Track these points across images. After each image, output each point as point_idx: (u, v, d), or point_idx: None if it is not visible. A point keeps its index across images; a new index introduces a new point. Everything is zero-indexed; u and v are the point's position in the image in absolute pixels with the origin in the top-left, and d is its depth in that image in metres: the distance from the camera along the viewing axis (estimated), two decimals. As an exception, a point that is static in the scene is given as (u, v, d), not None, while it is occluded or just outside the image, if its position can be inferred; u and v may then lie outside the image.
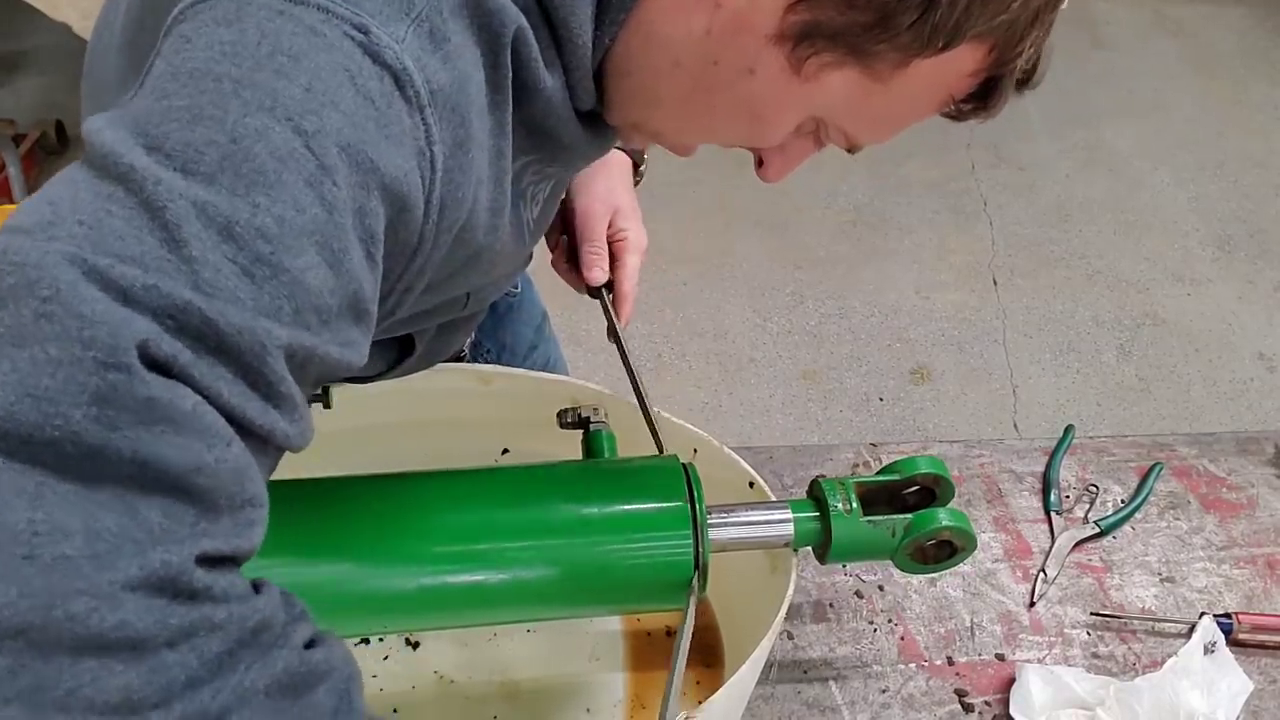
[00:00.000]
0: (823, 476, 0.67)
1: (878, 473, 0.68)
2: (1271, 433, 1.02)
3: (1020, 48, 0.51)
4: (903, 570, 0.68)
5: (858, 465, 0.96)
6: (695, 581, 0.62)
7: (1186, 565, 0.88)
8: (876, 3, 0.47)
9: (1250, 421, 2.29)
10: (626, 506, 0.64)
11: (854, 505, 0.64)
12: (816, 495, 0.66)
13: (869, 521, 0.64)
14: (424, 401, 0.80)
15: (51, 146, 2.90)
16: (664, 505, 0.63)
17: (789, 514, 0.65)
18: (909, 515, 0.65)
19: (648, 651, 0.77)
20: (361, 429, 0.79)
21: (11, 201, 2.39)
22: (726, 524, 0.64)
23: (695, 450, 0.78)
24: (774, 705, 0.76)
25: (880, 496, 0.67)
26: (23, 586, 0.31)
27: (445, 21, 0.45)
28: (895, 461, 0.68)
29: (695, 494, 0.63)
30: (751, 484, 0.74)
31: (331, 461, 0.82)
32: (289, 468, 0.81)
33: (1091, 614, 0.83)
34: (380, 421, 0.80)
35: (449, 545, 0.61)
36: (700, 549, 0.62)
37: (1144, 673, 0.78)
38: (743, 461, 0.75)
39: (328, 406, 0.69)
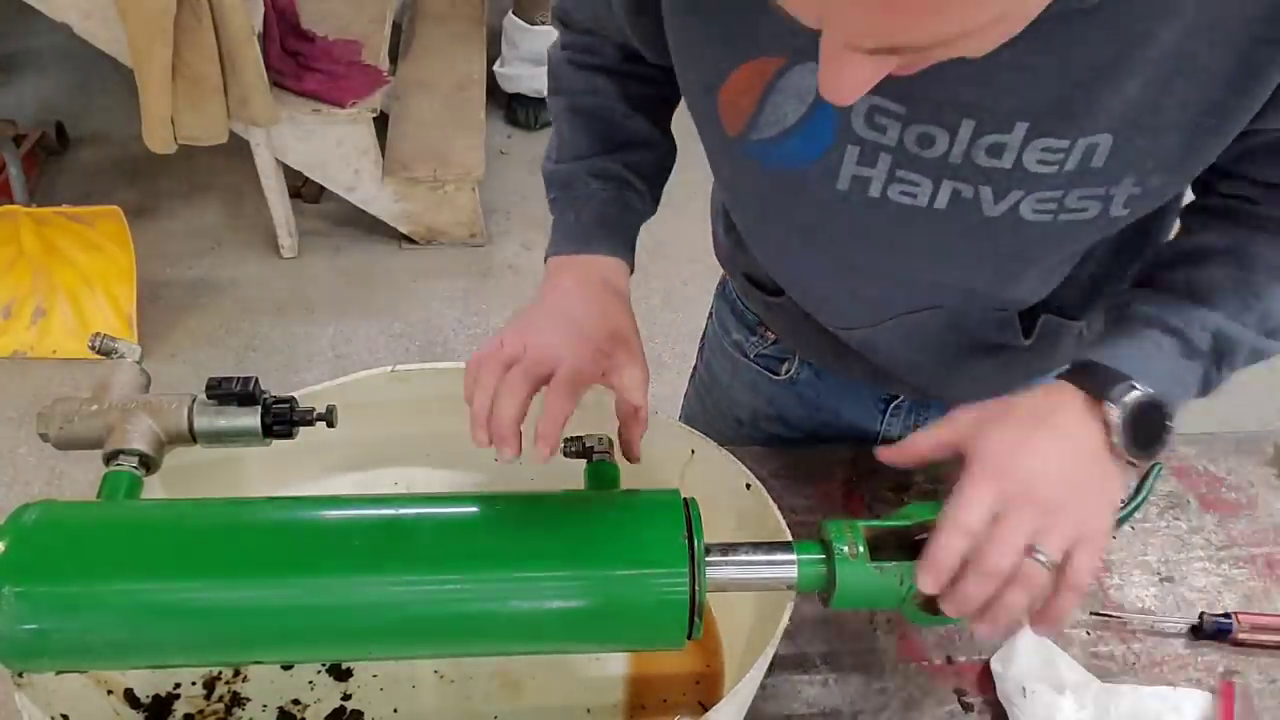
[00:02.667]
0: (829, 518, 0.65)
1: (888, 516, 0.65)
2: (1271, 433, 1.02)
3: None
4: (912, 621, 0.65)
5: (856, 464, 0.96)
6: (690, 623, 0.60)
7: (1186, 565, 0.88)
8: None
9: (1250, 421, 2.29)
10: (620, 540, 0.61)
11: (861, 549, 0.62)
12: (823, 538, 0.64)
13: (876, 567, 0.61)
14: (424, 402, 0.81)
15: (52, 147, 2.90)
16: (660, 540, 0.61)
17: (793, 556, 0.62)
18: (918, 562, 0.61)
19: (648, 652, 0.77)
20: (363, 430, 0.79)
21: (12, 201, 2.39)
22: (726, 563, 0.62)
23: (693, 451, 0.78)
24: (774, 705, 0.76)
25: (890, 541, 0.64)
26: None
27: None
28: (908, 506, 0.65)
29: (694, 530, 0.61)
30: (748, 486, 0.74)
31: (334, 465, 0.82)
32: (291, 470, 0.82)
33: (1091, 614, 0.83)
34: (381, 423, 0.80)
35: (435, 574, 0.60)
36: (696, 588, 0.59)
37: (1143, 672, 0.78)
38: (739, 464, 0.75)
39: (331, 426, 0.69)
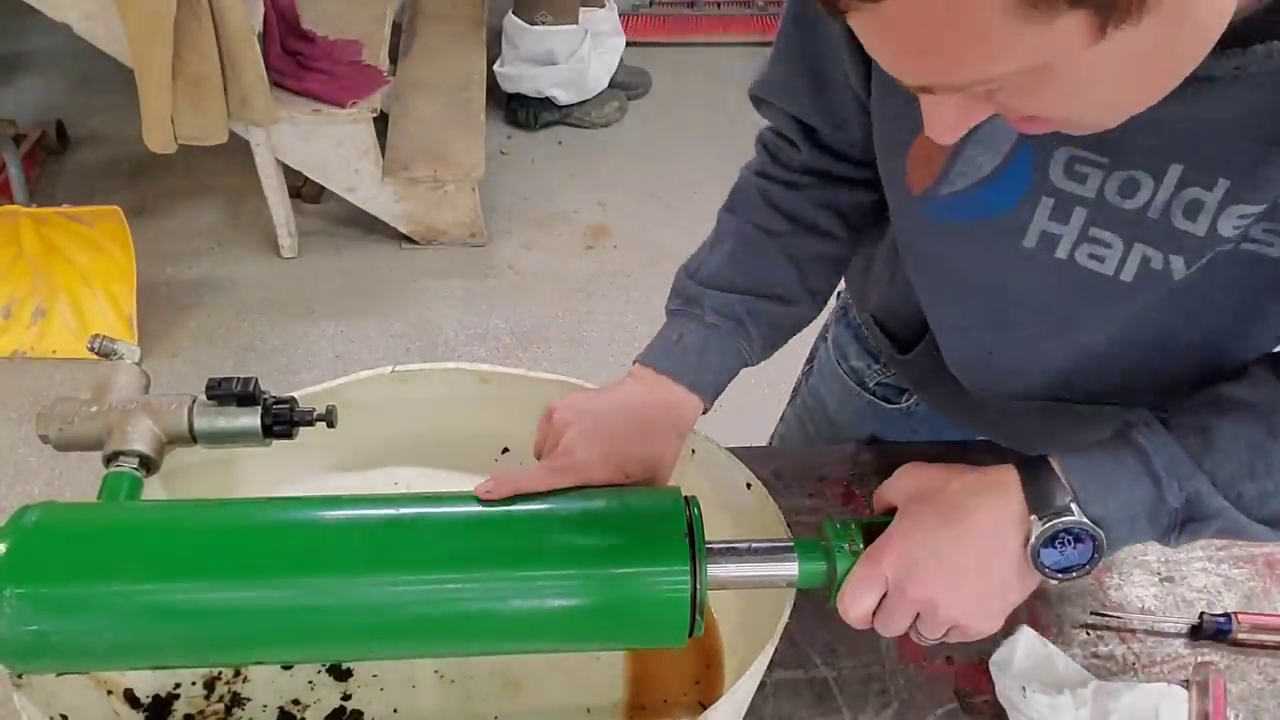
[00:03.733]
0: (830, 516, 0.65)
1: (885, 512, 0.66)
2: (1271, 432, 1.02)
3: None
4: None
5: (857, 464, 0.96)
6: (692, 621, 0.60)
7: (1186, 565, 0.88)
8: None
9: (1250, 420, 2.28)
10: (622, 538, 0.61)
11: (860, 547, 0.62)
12: (822, 536, 0.64)
13: None
14: (424, 402, 0.81)
15: (52, 146, 2.90)
16: (661, 538, 0.61)
17: (793, 554, 0.63)
18: None
19: (648, 652, 0.78)
20: (363, 430, 0.79)
21: (12, 201, 2.39)
22: (727, 561, 0.62)
23: (693, 451, 0.78)
24: (774, 705, 0.76)
25: None
26: None
27: None
28: None
29: (695, 529, 0.61)
30: (749, 485, 0.74)
31: (334, 465, 0.82)
32: (290, 470, 0.82)
33: (1091, 614, 0.83)
34: (381, 423, 0.81)
35: (435, 573, 0.60)
36: (697, 586, 0.60)
37: (1143, 672, 0.78)
38: (740, 463, 0.75)
39: (331, 426, 0.69)
